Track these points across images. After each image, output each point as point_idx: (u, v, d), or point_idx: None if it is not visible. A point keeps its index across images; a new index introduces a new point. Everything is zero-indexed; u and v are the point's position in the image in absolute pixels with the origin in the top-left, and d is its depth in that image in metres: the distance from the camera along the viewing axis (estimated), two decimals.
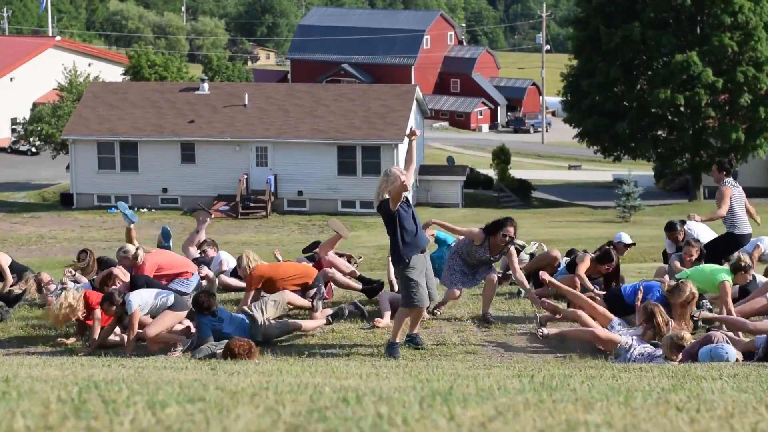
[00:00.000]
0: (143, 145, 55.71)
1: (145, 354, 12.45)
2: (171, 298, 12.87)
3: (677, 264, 14.92)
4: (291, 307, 13.69)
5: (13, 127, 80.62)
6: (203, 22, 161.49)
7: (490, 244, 13.04)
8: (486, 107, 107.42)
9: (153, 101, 57.74)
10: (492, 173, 67.00)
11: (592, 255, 14.41)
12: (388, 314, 13.53)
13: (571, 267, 14.43)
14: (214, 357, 11.59)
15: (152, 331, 12.51)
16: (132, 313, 12.44)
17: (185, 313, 12.96)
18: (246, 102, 56.88)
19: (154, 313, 12.78)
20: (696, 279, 12.83)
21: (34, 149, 76.43)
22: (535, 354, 11.99)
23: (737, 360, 10.84)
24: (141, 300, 12.64)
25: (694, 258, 14.87)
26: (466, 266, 13.24)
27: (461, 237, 13.58)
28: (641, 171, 70.40)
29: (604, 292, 13.62)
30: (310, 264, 14.96)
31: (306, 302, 13.64)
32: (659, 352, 11.07)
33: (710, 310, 13.45)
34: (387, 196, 11.26)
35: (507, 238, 12.97)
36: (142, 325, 12.69)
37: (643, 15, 61.80)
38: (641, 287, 12.85)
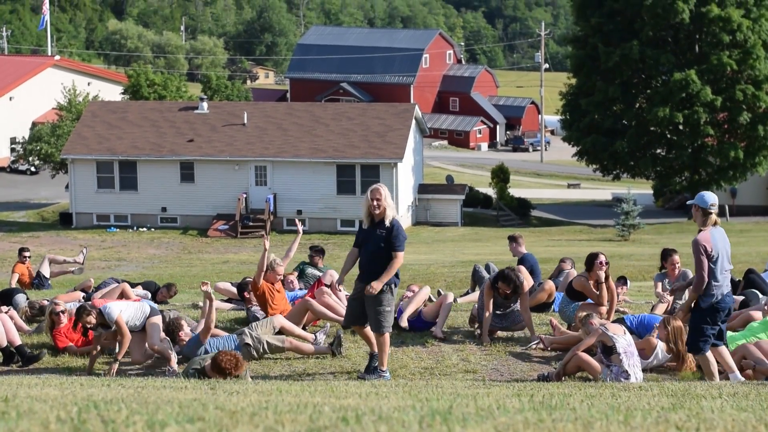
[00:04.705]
0: (142, 165, 55.69)
1: (141, 370, 12.43)
2: (146, 306, 13.01)
3: (659, 285, 14.86)
4: (287, 335, 13.48)
5: (13, 146, 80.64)
6: (202, 41, 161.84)
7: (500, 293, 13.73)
8: (485, 126, 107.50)
9: (152, 120, 57.76)
10: (491, 192, 66.96)
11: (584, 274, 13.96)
12: None
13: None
14: (203, 372, 11.51)
15: (155, 342, 12.52)
16: (116, 320, 12.35)
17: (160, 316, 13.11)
18: (245, 121, 56.90)
19: (133, 321, 12.67)
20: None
21: (33, 168, 76.36)
22: (535, 373, 11.96)
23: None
24: (119, 307, 12.60)
25: (678, 265, 14.87)
26: (497, 308, 13.81)
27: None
28: (640, 189, 70.44)
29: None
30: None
31: (300, 330, 13.54)
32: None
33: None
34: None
35: (509, 290, 13.50)
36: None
37: (642, 33, 61.89)
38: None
